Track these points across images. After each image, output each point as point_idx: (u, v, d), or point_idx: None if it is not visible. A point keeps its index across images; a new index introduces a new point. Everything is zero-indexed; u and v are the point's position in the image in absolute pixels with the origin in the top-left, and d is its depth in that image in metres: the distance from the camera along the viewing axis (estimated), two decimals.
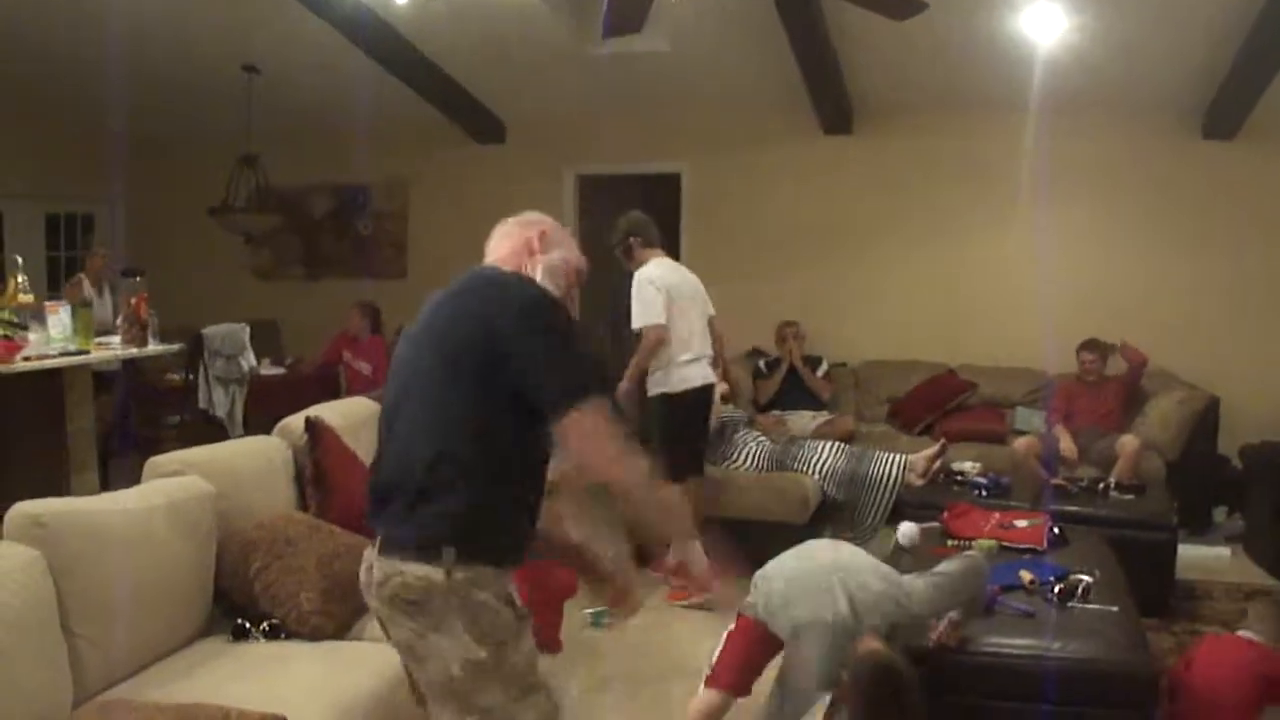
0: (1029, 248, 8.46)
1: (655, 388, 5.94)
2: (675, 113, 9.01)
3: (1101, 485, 6.34)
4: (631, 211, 6.32)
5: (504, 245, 2.79)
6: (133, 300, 6.12)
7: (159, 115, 9.53)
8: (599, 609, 5.30)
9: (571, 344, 2.46)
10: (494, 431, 2.45)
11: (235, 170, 9.02)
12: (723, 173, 9.14)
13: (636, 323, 5.89)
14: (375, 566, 2.49)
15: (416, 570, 2.39)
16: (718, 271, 7.80)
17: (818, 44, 7.44)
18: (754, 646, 3.46)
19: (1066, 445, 7.25)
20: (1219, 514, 7.59)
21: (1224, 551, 7.05)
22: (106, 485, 5.96)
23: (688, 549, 4.58)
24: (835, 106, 8.54)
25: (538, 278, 2.67)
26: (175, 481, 3.56)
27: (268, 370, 8.28)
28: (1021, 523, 4.91)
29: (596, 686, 4.67)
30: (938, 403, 8.20)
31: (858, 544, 5.38)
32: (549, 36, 7.78)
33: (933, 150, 8.66)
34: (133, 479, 3.69)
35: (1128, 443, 6.97)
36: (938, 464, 6.62)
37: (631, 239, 6.14)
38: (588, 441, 2.41)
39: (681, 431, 5.94)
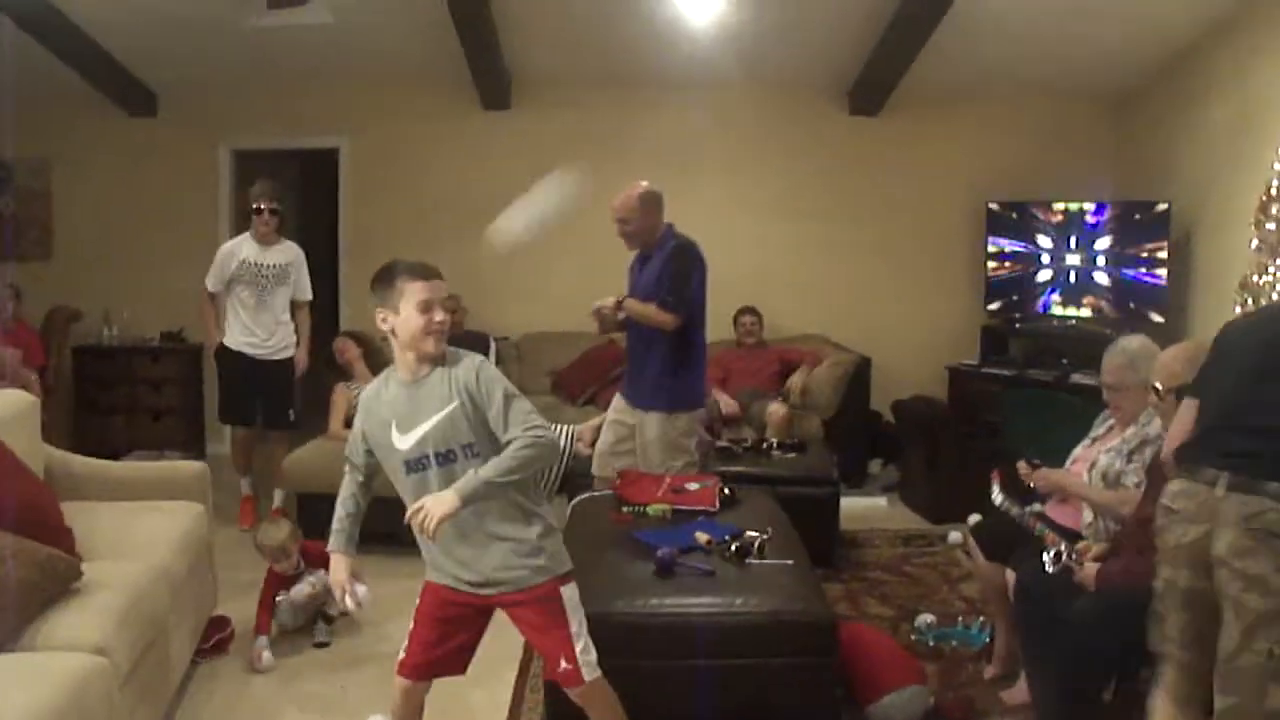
0: (687, 218, 8.64)
1: None
2: (335, 87, 8.82)
3: (765, 445, 6.58)
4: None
5: None
6: None
7: None
8: None
9: None
10: None
11: None
12: (382, 148, 9.01)
13: None
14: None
15: None
16: (377, 247, 7.64)
17: (480, 19, 7.42)
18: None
19: (727, 403, 7.53)
20: (874, 466, 8.05)
21: (881, 501, 7.48)
22: None
23: None
24: (494, 82, 8.56)
25: None
26: None
27: None
28: (693, 485, 5.00)
29: None
30: (599, 373, 8.31)
31: None
32: (206, 4, 7.44)
33: (591, 125, 8.80)
34: None
35: (775, 411, 7.34)
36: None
37: None
38: None
39: None
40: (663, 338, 5.29)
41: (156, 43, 8.10)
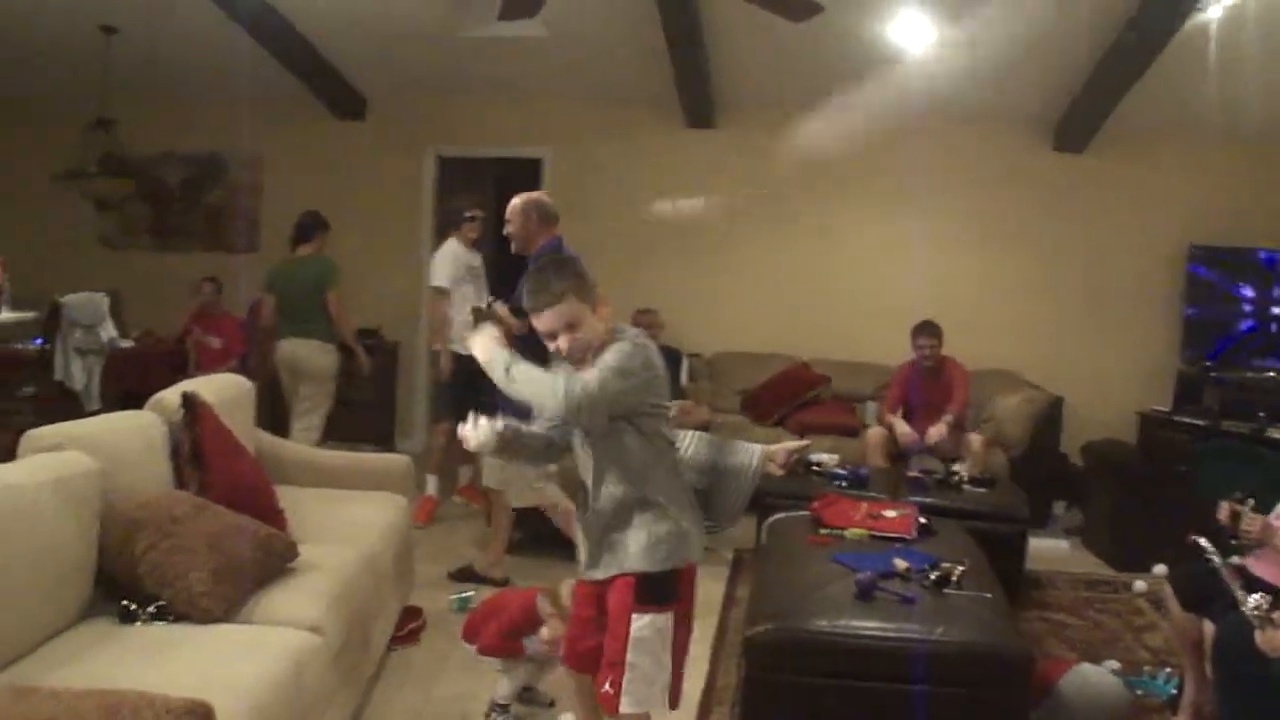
0: (884, 247, 8.73)
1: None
2: (542, 98, 9.03)
3: (955, 479, 6.52)
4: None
5: None
6: None
7: (7, 74, 9.14)
8: (464, 594, 5.33)
9: None
10: None
11: (86, 134, 8.64)
12: (585, 160, 9.18)
13: None
14: None
15: None
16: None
17: (693, 39, 7.53)
18: None
19: (902, 430, 7.43)
20: (1058, 507, 7.90)
21: (1063, 544, 7.35)
22: None
23: None
24: (700, 101, 8.66)
25: None
26: (58, 457, 3.38)
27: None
28: (890, 513, 5.02)
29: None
30: (791, 395, 8.35)
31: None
32: (423, 14, 7.73)
33: (793, 148, 8.84)
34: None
35: (974, 440, 7.22)
36: (795, 456, 6.75)
37: None
38: None
39: None
40: (519, 342, 5.39)
41: (373, 50, 8.42)
